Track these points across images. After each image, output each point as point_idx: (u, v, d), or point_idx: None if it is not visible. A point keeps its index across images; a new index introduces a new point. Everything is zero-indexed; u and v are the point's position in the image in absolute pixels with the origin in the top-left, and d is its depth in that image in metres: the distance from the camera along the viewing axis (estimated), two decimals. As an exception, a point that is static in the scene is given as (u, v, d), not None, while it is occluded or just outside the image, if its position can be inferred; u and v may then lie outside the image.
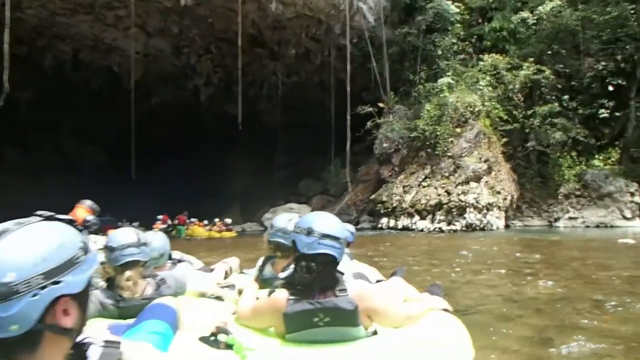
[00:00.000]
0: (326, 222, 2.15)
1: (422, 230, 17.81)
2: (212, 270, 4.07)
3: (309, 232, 2.10)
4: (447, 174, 18.73)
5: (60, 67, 24.66)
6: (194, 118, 30.99)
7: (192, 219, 22.47)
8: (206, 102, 29.00)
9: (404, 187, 19.88)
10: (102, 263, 2.77)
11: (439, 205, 18.06)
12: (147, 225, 22.96)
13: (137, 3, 20.56)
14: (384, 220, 19.80)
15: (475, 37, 23.39)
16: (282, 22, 22.56)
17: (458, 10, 22.31)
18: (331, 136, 25.32)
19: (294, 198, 26.75)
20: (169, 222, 22.47)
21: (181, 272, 3.33)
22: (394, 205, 19.52)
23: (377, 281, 3.43)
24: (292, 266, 2.21)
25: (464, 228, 17.17)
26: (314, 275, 2.07)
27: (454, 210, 17.48)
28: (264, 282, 3.05)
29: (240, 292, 2.99)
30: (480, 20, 23.85)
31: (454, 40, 22.48)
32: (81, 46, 23.46)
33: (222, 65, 25.16)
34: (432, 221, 18.02)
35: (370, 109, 22.28)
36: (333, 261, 2.12)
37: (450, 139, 19.20)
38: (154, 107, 29.59)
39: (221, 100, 27.66)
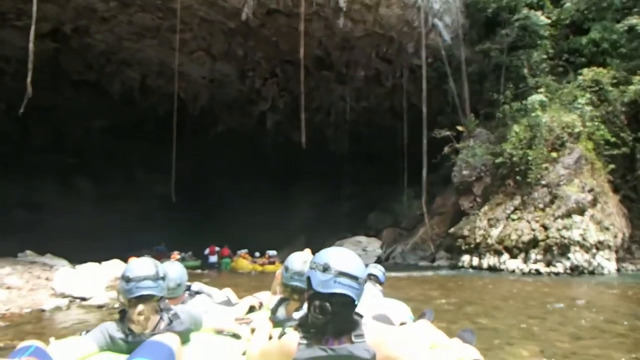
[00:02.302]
0: (345, 258, 1.97)
1: (513, 271, 15.06)
2: (234, 304, 3.91)
3: (325, 268, 1.92)
4: (542, 206, 15.96)
5: (128, 94, 24.60)
6: (260, 145, 30.07)
7: (241, 251, 21.03)
8: (272, 129, 28.01)
9: (488, 220, 17.27)
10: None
11: (533, 242, 15.27)
12: (201, 256, 22.03)
13: (201, 25, 19.95)
14: (466, 258, 17.22)
15: (568, 52, 20.68)
16: (351, 42, 21.08)
17: (549, 21, 19.79)
18: (403, 164, 23.24)
19: (362, 231, 24.72)
20: (214, 256, 21.44)
21: (198, 306, 3.27)
22: (478, 240, 16.93)
23: (402, 324, 3.25)
24: (306, 306, 2.03)
25: (568, 271, 14.25)
26: (327, 317, 1.91)
27: (554, 248, 14.62)
28: (277, 323, 2.80)
29: (253, 330, 2.85)
30: (572, 34, 21.11)
31: (544, 56, 19.91)
32: (148, 72, 23.23)
33: (287, 89, 24.04)
34: (526, 261, 15.23)
35: (448, 133, 20.04)
36: (350, 303, 1.94)
37: (545, 165, 16.48)
38: (220, 134, 29.05)
39: (287, 127, 26.52)
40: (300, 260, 2.96)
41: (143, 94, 24.61)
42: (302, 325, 2.00)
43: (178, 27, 16.61)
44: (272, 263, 19.43)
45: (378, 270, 4.51)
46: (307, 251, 3.23)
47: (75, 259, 13.07)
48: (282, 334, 2.12)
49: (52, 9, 18.44)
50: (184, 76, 23.71)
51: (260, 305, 3.85)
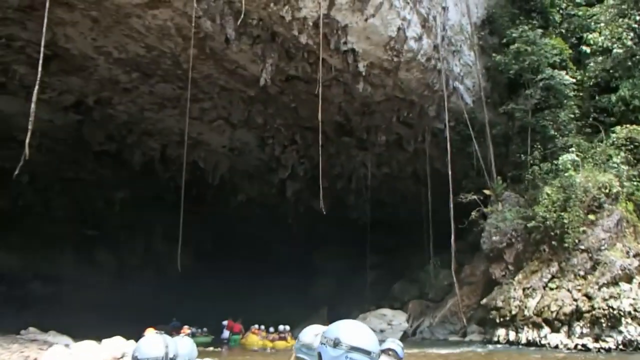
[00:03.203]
0: (356, 332, 1.85)
1: (556, 347, 13.54)
2: None
3: (336, 343, 1.81)
4: (582, 273, 14.64)
5: (148, 164, 24.63)
6: (280, 214, 29.50)
7: (254, 326, 20.14)
8: (292, 197, 27.50)
9: (524, 289, 15.92)
10: None
11: (577, 314, 13.83)
12: (216, 333, 20.87)
13: (221, 93, 20.09)
14: (501, 332, 15.72)
15: (595, 111, 20.05)
16: (371, 106, 20.85)
17: (574, 80, 19.31)
18: (428, 231, 22.24)
19: (386, 302, 23.34)
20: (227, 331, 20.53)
21: None
22: (513, 312, 15.50)
23: None
24: None
25: (620, 346, 12.71)
26: None
27: (602, 320, 13.17)
28: None
29: None
30: (598, 93, 20.56)
31: (571, 116, 19.29)
32: (168, 141, 23.31)
33: (307, 156, 23.73)
34: (570, 335, 13.72)
35: (475, 197, 19.13)
36: None
37: (582, 229, 15.33)
38: (240, 203, 28.67)
39: (307, 195, 26.00)
40: (311, 332, 2.76)
41: (163, 164, 24.62)
42: None
43: (189, 95, 16.59)
44: (284, 339, 18.33)
45: (396, 344, 4.33)
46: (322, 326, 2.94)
47: (86, 335, 12.28)
48: None
49: (76, 81, 18.87)
50: (204, 145, 23.75)
51: None
